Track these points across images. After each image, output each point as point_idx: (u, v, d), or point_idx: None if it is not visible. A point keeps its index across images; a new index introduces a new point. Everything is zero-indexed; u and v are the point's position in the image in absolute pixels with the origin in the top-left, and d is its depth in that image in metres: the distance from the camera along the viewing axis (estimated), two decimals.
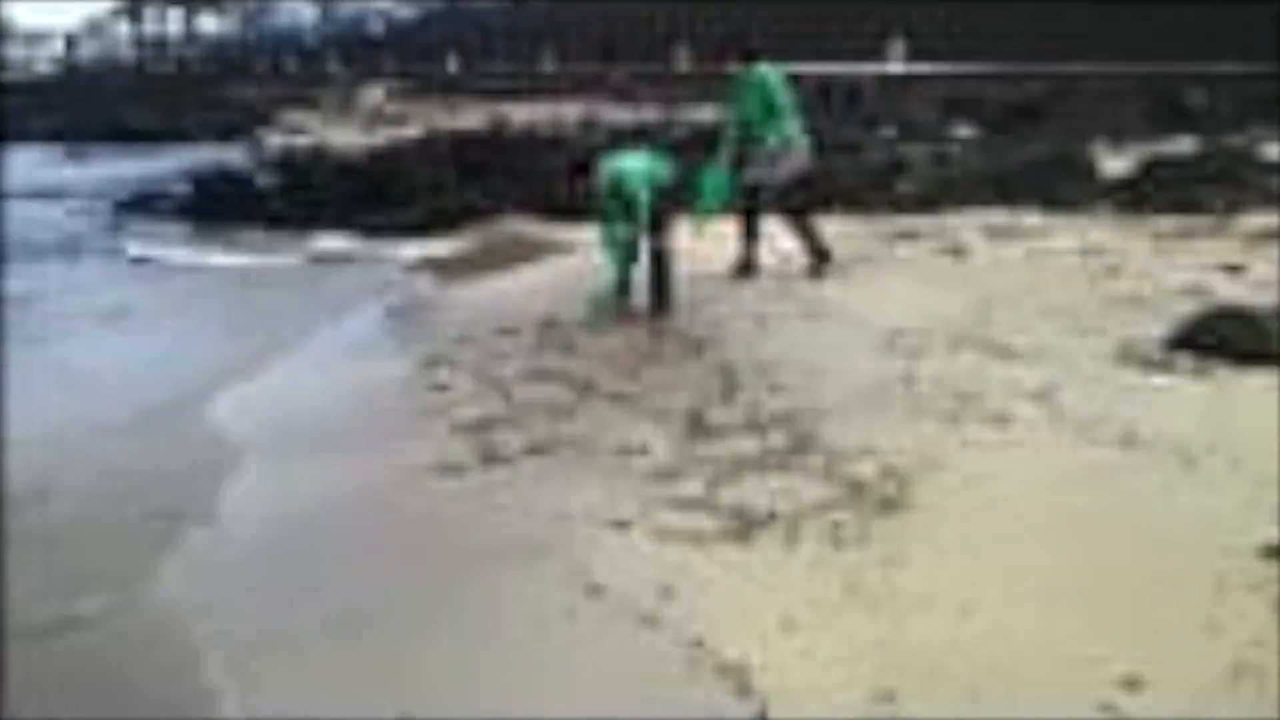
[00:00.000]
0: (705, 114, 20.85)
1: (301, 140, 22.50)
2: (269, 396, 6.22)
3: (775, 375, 5.78)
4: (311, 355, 7.10)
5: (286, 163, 17.00)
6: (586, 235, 8.57)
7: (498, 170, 14.18)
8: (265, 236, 12.01)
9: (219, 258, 10.96)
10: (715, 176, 7.84)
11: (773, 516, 4.09)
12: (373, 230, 11.57)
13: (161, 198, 14.87)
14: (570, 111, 25.01)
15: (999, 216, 9.68)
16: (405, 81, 39.13)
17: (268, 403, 6.10)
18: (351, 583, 3.87)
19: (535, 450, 4.99)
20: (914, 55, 23.59)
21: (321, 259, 10.68)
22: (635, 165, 7.08)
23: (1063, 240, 8.65)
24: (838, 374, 5.76)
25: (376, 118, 30.12)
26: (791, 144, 7.88)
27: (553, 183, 12.72)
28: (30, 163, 21.73)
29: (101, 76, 47.65)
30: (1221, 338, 5.50)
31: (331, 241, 11.47)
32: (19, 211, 14.31)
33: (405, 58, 45.21)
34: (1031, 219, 9.52)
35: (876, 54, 24.02)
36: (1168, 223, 9.08)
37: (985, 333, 6.28)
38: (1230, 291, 6.71)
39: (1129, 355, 5.68)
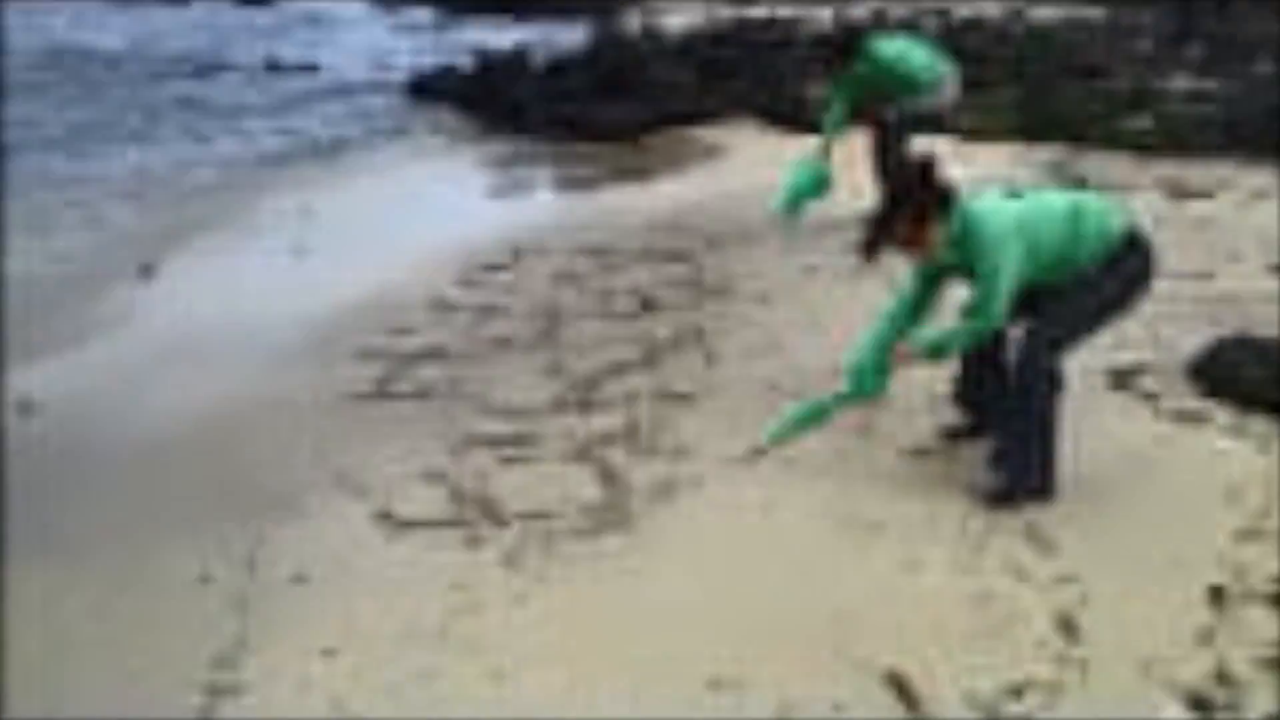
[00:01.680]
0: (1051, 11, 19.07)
1: (639, 20, 22.67)
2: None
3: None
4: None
5: (599, 44, 17.38)
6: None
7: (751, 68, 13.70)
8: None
9: None
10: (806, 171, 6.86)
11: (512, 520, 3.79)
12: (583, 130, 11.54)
13: (449, 77, 15.56)
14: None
15: (1220, 169, 8.11)
16: None
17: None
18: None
19: (396, 395, 4.89)
20: None
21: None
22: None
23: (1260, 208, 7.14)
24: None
25: None
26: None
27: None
28: (383, 29, 23.49)
29: None
30: (1229, 373, 4.35)
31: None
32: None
33: None
34: (1258, 177, 7.90)
35: None
36: None
37: None
38: None
39: (1127, 380, 4.63)
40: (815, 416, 3.96)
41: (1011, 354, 3.64)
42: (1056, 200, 3.56)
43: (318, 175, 9.76)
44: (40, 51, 18.75)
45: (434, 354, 5.35)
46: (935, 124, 7.36)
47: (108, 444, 4.48)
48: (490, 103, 13.66)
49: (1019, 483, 3.61)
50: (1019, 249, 3.39)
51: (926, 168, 3.48)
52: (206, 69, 16.89)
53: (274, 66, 16.69)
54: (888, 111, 6.89)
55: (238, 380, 5.13)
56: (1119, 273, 3.51)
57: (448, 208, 8.69)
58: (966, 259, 3.46)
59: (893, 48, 6.87)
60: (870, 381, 3.76)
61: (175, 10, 25.90)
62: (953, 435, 4.12)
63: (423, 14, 26.93)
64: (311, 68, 16.76)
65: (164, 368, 5.33)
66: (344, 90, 14.93)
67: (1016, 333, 3.62)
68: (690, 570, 3.40)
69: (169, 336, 5.78)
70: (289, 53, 18.00)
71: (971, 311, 3.51)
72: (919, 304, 3.71)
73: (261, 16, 25.53)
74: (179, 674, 2.98)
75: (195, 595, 3.37)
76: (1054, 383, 3.61)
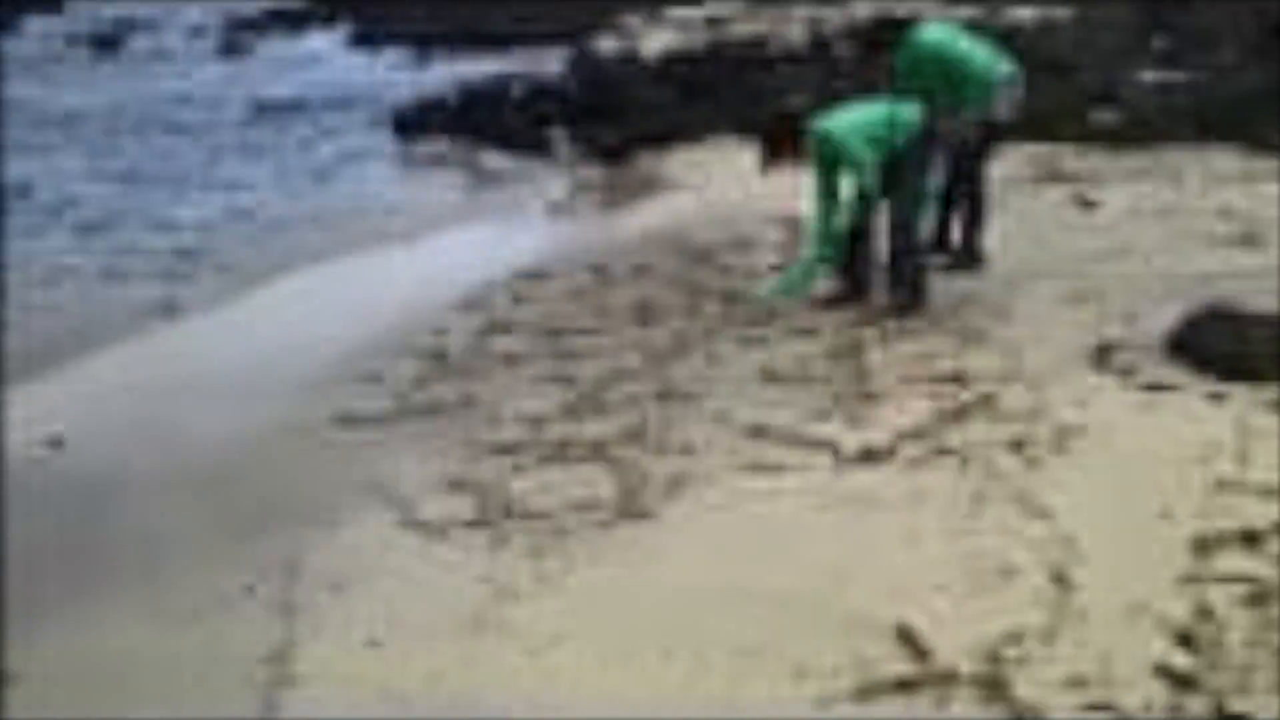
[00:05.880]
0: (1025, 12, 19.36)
1: (615, 44, 22.94)
2: None
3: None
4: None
5: (576, 69, 17.68)
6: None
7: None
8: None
9: None
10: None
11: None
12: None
13: (438, 110, 15.80)
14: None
15: (1187, 156, 8.39)
16: None
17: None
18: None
19: (412, 412, 5.11)
20: None
21: None
22: (849, 121, 5.66)
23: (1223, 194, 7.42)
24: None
25: (717, 18, 30.24)
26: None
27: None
28: (371, 66, 23.71)
29: None
30: (1202, 345, 4.60)
31: None
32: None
33: None
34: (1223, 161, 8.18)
35: None
36: None
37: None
38: None
39: (1107, 356, 4.88)
40: (801, 282, 5.85)
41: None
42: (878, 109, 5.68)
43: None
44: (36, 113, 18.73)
45: (443, 372, 5.56)
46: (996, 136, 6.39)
47: (143, 470, 4.71)
48: (475, 132, 13.97)
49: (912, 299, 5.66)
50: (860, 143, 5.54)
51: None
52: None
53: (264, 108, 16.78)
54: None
55: (260, 408, 5.34)
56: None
57: (442, 234, 8.89)
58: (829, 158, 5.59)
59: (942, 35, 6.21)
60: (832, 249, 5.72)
61: (163, 65, 25.97)
62: (837, 300, 5.88)
63: (397, 53, 27.12)
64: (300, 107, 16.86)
65: (189, 398, 5.55)
66: (331, 129, 15.13)
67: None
68: (707, 551, 3.63)
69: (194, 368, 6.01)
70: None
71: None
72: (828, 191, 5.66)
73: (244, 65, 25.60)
74: (236, 672, 3.19)
75: (243, 604, 3.58)
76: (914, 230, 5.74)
